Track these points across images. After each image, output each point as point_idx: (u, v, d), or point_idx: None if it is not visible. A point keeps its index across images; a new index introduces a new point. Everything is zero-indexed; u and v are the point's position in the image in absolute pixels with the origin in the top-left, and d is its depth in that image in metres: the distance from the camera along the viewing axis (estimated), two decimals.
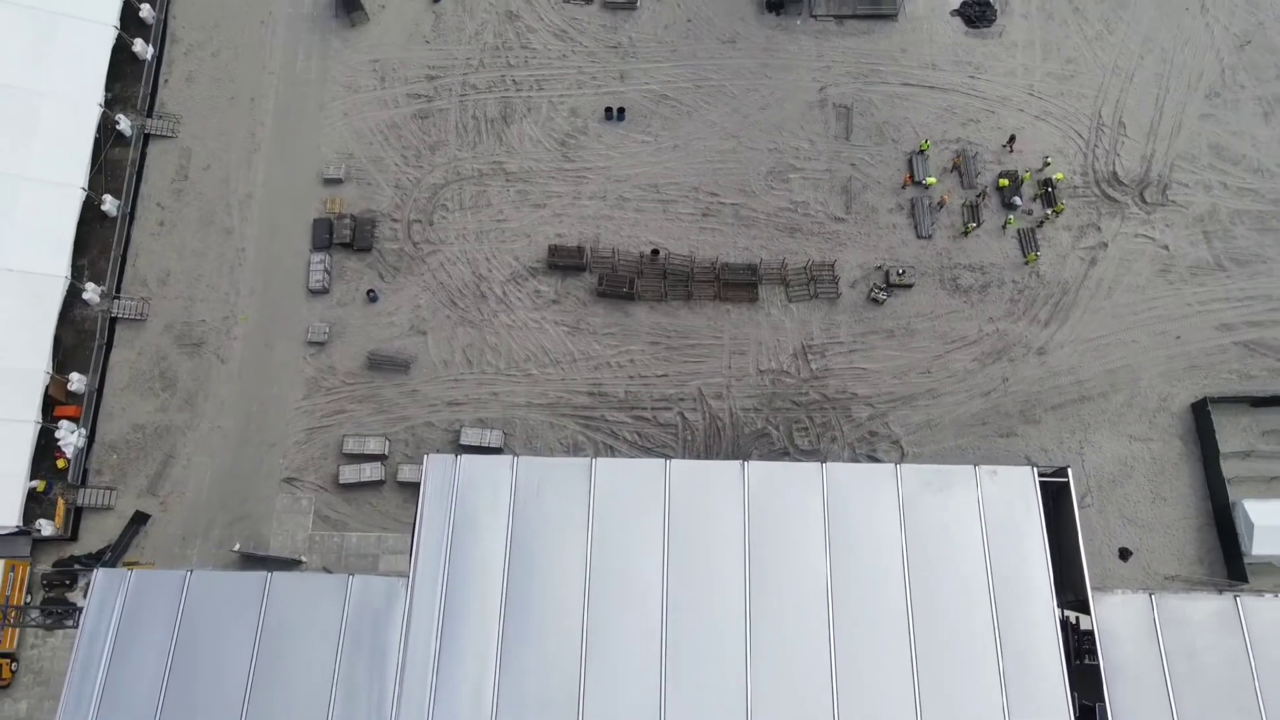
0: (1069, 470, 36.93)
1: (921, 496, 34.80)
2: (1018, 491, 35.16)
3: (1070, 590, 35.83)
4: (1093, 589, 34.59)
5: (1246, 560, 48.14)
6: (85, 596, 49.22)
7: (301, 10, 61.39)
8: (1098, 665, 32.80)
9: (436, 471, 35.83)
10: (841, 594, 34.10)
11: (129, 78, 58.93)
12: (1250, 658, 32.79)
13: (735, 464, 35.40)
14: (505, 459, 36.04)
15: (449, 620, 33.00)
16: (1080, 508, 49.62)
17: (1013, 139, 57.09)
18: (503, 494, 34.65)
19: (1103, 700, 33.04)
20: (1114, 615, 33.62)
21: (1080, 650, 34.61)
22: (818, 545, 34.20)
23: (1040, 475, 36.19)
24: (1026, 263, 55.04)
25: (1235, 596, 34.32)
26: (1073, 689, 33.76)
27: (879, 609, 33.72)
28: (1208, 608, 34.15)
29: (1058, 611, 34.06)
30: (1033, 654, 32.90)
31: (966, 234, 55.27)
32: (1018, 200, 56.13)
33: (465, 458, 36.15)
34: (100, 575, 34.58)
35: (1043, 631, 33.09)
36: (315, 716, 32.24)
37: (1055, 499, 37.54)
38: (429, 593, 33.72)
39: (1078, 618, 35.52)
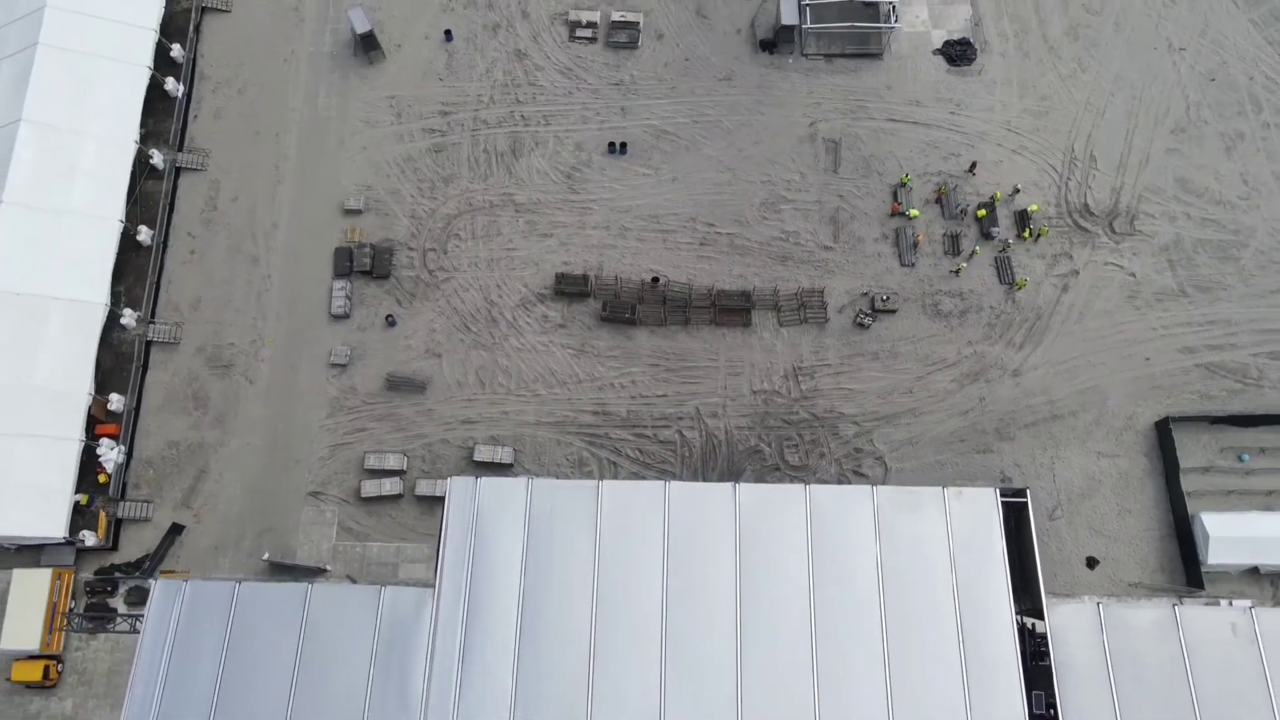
0: (1028, 491, 40.79)
1: (895, 515, 38.69)
2: (981, 511, 39.05)
3: (1029, 598, 39.68)
4: (1047, 597, 38.45)
5: (1204, 569, 51.99)
6: (124, 601, 53.41)
7: (322, 49, 65.11)
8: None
9: (459, 493, 39.70)
10: (823, 601, 37.95)
11: (161, 114, 62.52)
12: (1186, 661, 36.68)
13: (727, 485, 39.25)
14: (521, 481, 39.94)
15: (471, 628, 36.77)
16: (1051, 519, 54.21)
17: (974, 165, 60.84)
18: (518, 513, 38.50)
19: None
20: (1066, 621, 37.52)
21: (1038, 652, 38.46)
22: (801, 558, 38.05)
23: (1002, 496, 40.06)
24: (1016, 287, 58.64)
25: (1174, 605, 38.26)
26: (1033, 687, 37.62)
27: (856, 615, 37.58)
28: (1149, 615, 38.08)
29: (1016, 618, 37.87)
30: (993, 655, 36.76)
31: (958, 273, 58.94)
32: (995, 230, 59.92)
33: (484, 480, 40.04)
34: (158, 586, 38.42)
35: (1002, 635, 36.97)
36: (352, 716, 36.03)
37: (1018, 515, 41.36)
38: (453, 603, 37.55)
39: (1034, 623, 39.35)
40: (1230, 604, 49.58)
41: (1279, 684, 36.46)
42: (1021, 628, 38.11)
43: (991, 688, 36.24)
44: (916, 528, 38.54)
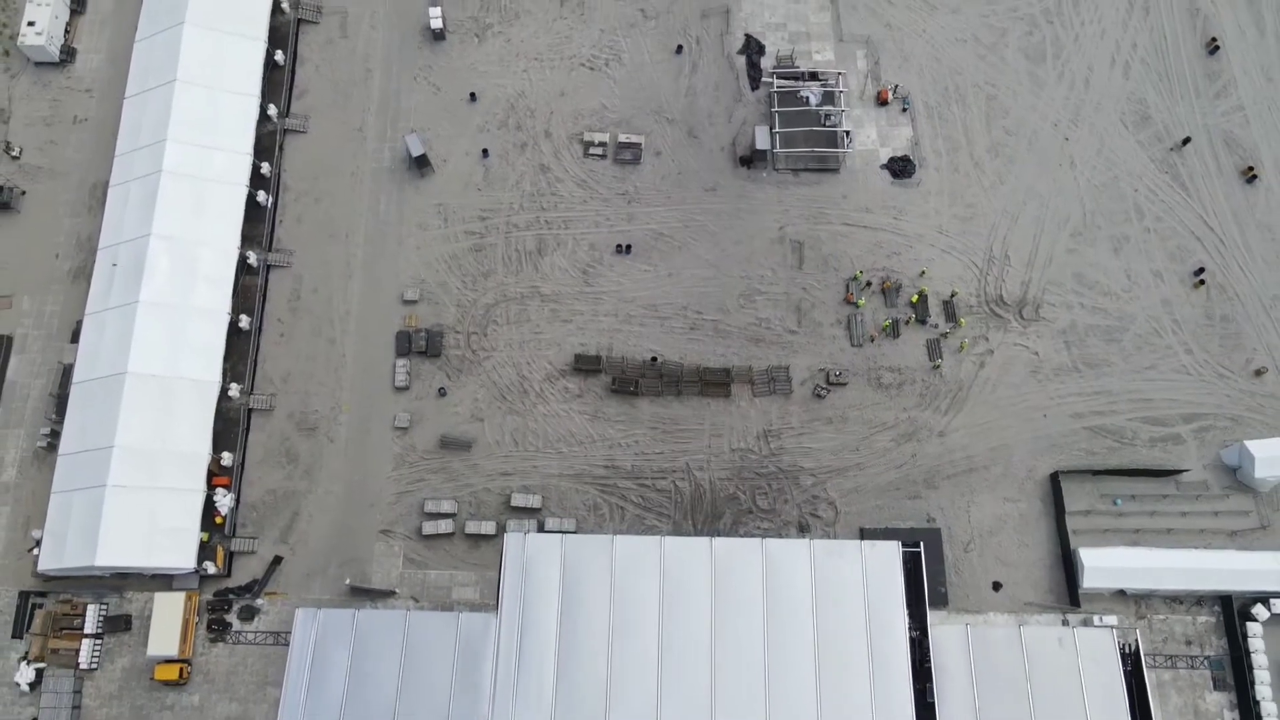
0: (920, 544, 55.68)
1: (826, 561, 53.50)
2: (887, 558, 53.94)
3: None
4: (931, 617, 53.40)
5: (1080, 591, 66.66)
6: (238, 617, 67.95)
7: (383, 165, 79.69)
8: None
9: (513, 545, 54.64)
10: (773, 622, 52.72)
11: (253, 220, 76.73)
12: (1025, 666, 51.52)
13: (705, 540, 54.19)
14: (556, 537, 54.84)
15: (524, 644, 51.45)
16: (965, 551, 69.11)
17: (860, 273, 74.82)
18: (555, 560, 53.26)
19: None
20: (944, 636, 52.43)
21: (924, 658, 53.41)
22: (758, 592, 52.85)
23: (903, 546, 55.00)
24: (961, 350, 73.06)
25: (1020, 625, 53.27)
26: (922, 682, 52.52)
27: (797, 633, 52.34)
28: (1001, 632, 53.19)
29: (911, 633, 52.72)
30: (891, 660, 51.64)
31: (895, 335, 73.12)
32: (928, 318, 74.58)
33: (530, 536, 54.95)
34: (300, 614, 53.35)
35: (898, 647, 51.84)
36: (440, 708, 50.71)
37: (915, 560, 56.33)
38: (510, 625, 52.32)
39: (921, 635, 54.30)
40: (1100, 619, 64.99)
41: (1089, 683, 51.40)
42: (916, 640, 53.04)
43: (889, 684, 51.11)
44: (841, 570, 53.37)
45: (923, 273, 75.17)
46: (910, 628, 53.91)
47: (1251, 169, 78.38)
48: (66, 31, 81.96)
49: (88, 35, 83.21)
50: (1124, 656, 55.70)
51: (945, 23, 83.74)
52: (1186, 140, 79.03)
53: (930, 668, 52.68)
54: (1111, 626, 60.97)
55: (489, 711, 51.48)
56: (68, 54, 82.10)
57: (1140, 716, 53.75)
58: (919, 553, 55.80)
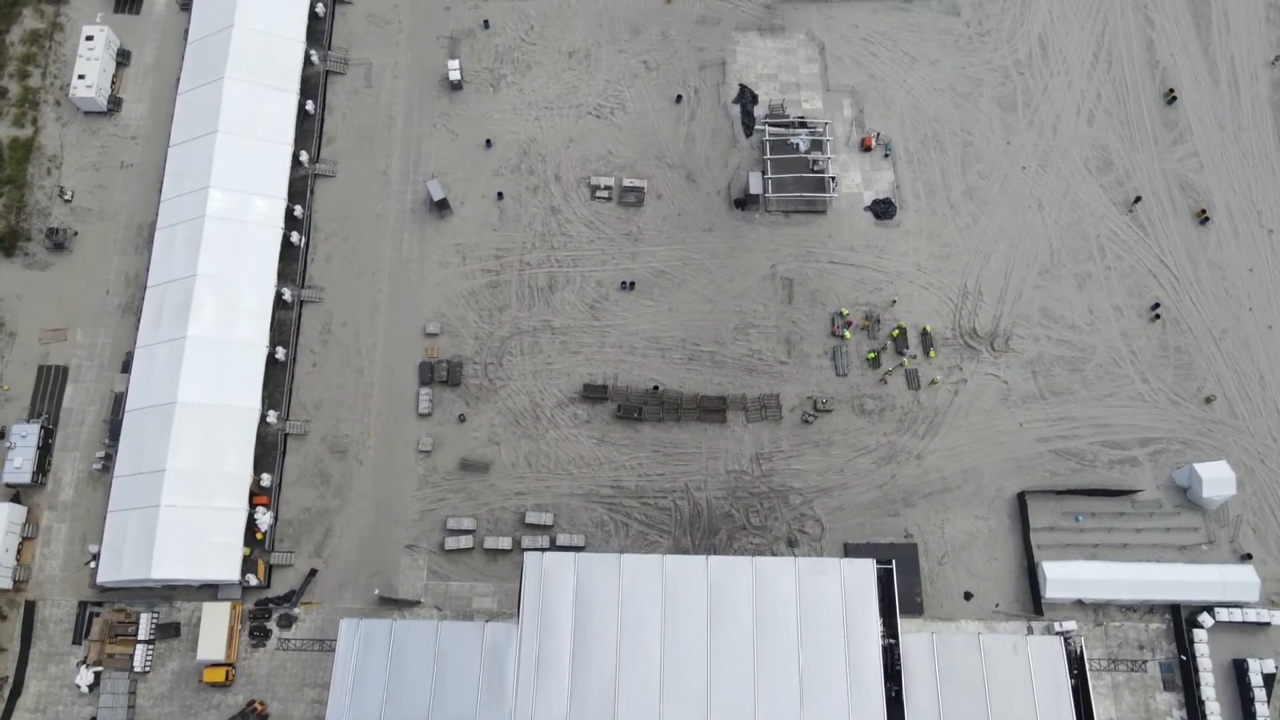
0: (893, 561, 62.49)
1: (809, 577, 60.36)
2: (863, 574, 60.83)
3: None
4: (901, 625, 60.36)
5: (1043, 601, 73.47)
6: (276, 624, 74.52)
7: (405, 207, 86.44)
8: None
9: (531, 563, 61.42)
10: (762, 631, 59.57)
11: (287, 259, 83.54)
12: (983, 669, 58.43)
13: (701, 558, 61.06)
14: (570, 556, 61.66)
15: (542, 650, 58.39)
16: (940, 564, 75.76)
17: (842, 313, 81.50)
18: (569, 575, 60.11)
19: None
20: (912, 642, 59.33)
21: (896, 662, 60.34)
22: (750, 603, 59.71)
23: (878, 563, 61.86)
24: (932, 384, 79.75)
25: (978, 634, 60.11)
26: (893, 682, 59.41)
27: (783, 641, 59.17)
28: (961, 639, 60.08)
29: (884, 639, 59.61)
30: (865, 662, 58.57)
31: (877, 366, 79.89)
32: (906, 350, 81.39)
33: (547, 554, 61.76)
34: (344, 624, 60.17)
35: (872, 652, 58.76)
36: (469, 709, 57.55)
37: (899, 568, 63.26)
38: (530, 634, 59.17)
39: (893, 642, 61.28)
40: (1060, 625, 71.74)
41: (1039, 684, 58.38)
42: (888, 647, 59.98)
43: (864, 686, 58.04)
44: (822, 585, 60.23)
45: (894, 302, 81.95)
46: (883, 635, 60.89)
47: (1204, 211, 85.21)
48: (113, 83, 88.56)
49: (132, 86, 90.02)
50: (1074, 660, 62.48)
51: (925, 74, 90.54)
52: (1138, 199, 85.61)
53: (901, 671, 59.56)
54: (1068, 633, 67.83)
55: (512, 712, 58.27)
56: (114, 104, 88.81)
57: (1084, 714, 60.64)
58: (891, 569, 62.63)
